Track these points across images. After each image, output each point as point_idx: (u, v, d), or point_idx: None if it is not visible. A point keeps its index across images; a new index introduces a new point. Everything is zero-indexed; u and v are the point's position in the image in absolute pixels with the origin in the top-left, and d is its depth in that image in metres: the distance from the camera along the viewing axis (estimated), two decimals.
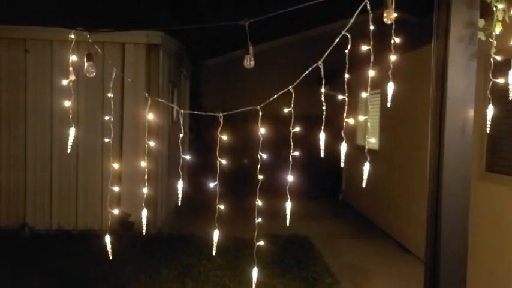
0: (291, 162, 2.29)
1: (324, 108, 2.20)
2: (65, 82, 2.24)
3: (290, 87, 2.37)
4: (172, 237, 6.74)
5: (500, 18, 2.03)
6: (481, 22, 2.03)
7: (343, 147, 2.20)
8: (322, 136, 2.21)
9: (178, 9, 9.03)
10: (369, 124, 9.20)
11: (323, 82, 2.13)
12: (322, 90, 2.16)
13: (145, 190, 2.42)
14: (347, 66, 2.15)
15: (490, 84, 2.07)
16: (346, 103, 2.21)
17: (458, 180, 2.18)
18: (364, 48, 2.12)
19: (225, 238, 5.82)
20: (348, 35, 2.04)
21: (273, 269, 5.28)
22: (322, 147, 2.25)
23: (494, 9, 2.01)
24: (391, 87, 2.14)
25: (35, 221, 6.94)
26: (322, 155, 2.28)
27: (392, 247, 6.59)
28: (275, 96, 2.43)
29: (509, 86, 1.99)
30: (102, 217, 7.02)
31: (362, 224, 8.39)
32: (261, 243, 2.48)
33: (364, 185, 2.28)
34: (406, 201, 6.71)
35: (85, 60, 2.12)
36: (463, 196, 2.18)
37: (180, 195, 2.57)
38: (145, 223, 6.62)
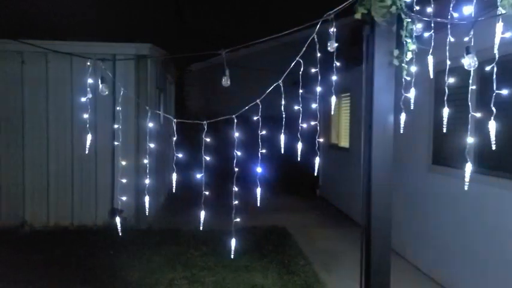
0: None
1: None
2: (83, 99, 2.85)
3: (258, 100, 3.07)
4: (161, 230, 7.38)
5: (410, 49, 2.76)
6: (395, 52, 2.75)
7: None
8: (283, 136, 2.90)
9: (164, 21, 9.64)
10: (341, 124, 9.99)
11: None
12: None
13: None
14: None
15: (402, 98, 2.79)
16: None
17: (383, 168, 2.90)
18: (333, 53, 2.84)
19: (210, 230, 6.56)
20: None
21: (253, 254, 5.98)
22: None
23: (405, 42, 2.74)
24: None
25: (34, 219, 7.51)
26: (282, 151, 2.99)
27: (360, 234, 7.35)
28: (247, 107, 3.13)
29: (412, 100, 2.72)
30: (97, 213, 7.63)
31: (336, 215, 9.17)
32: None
33: (315, 173, 2.97)
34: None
35: (100, 82, 2.76)
36: (387, 178, 2.91)
37: (174, 188, 3.21)
38: (137, 219, 7.43)
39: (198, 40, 10.85)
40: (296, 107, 3.11)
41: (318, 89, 2.98)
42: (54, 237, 6.95)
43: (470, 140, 2.12)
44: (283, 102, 3.02)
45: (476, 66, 1.98)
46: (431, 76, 2.44)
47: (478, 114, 2.19)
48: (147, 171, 7.25)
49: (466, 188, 2.10)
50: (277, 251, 6.29)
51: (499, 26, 1.82)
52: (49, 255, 6.00)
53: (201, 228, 3.01)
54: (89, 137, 2.98)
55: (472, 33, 1.99)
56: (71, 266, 5.59)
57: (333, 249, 6.58)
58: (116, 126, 3.32)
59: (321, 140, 10.33)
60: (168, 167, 10.09)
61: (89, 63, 2.81)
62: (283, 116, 3.02)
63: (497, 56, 1.89)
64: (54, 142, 7.57)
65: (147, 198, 3.37)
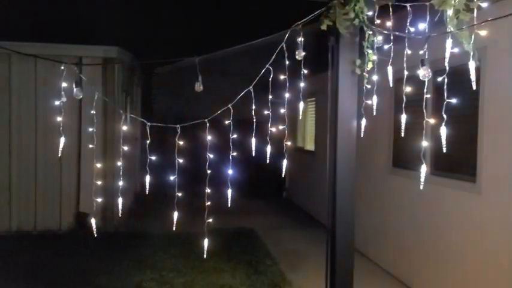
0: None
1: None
2: (56, 102, 2.88)
3: (230, 105, 3.20)
4: (129, 234, 7.35)
5: (371, 59, 2.96)
6: (358, 61, 2.95)
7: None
8: (252, 139, 3.04)
9: (133, 24, 9.61)
10: (307, 128, 10.24)
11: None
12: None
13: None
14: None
15: (364, 104, 2.99)
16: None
17: (347, 169, 3.09)
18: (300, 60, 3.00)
19: (179, 232, 6.60)
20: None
21: (221, 256, 6.07)
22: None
23: (366, 53, 2.94)
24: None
25: None
26: (253, 153, 3.12)
27: (325, 235, 7.59)
28: (218, 112, 3.24)
29: (374, 106, 2.92)
30: (61, 218, 7.50)
31: (302, 217, 9.40)
32: (211, 235, 3.20)
33: (283, 175, 3.12)
34: None
35: (74, 86, 2.80)
36: (351, 181, 3.09)
37: (147, 190, 3.28)
38: (104, 222, 7.38)
39: (166, 43, 10.85)
40: (265, 112, 3.25)
41: (286, 95, 3.14)
42: (15, 243, 6.79)
43: (425, 143, 2.32)
44: (253, 107, 3.15)
45: (430, 76, 2.18)
46: (391, 85, 2.64)
47: (432, 120, 2.40)
48: (115, 174, 7.22)
49: (421, 187, 2.29)
50: (245, 252, 6.42)
51: (449, 42, 2.03)
52: (9, 262, 5.86)
53: (173, 228, 3.08)
54: (62, 140, 2.98)
55: (426, 47, 2.20)
56: (33, 271, 5.49)
57: (300, 250, 6.77)
58: (90, 129, 3.33)
59: (288, 143, 10.50)
60: (135, 169, 10.02)
61: (62, 68, 2.84)
62: (252, 119, 3.15)
63: (447, 68, 2.10)
64: (17, 145, 7.39)
65: (120, 200, 3.40)
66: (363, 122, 3.04)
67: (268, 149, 3.16)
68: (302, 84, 3.11)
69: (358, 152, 3.08)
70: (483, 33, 1.86)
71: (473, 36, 1.89)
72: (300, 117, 3.49)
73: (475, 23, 1.85)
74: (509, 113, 3.67)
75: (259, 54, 3.35)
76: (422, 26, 2.22)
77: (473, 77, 1.91)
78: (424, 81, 2.26)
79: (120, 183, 3.38)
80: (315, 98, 9.29)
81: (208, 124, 3.20)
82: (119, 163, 3.49)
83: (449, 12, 1.92)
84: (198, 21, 9.94)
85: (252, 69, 3.33)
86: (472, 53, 1.89)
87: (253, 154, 3.17)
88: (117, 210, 7.70)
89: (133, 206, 9.55)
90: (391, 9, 2.63)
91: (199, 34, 10.61)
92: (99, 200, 7.38)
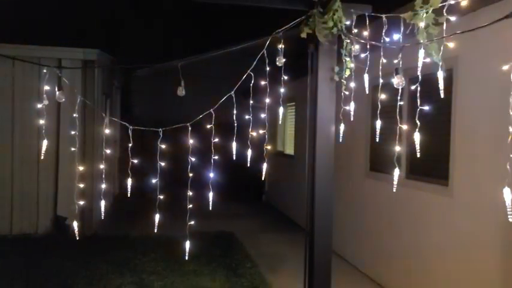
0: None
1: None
2: (39, 105, 2.89)
3: (211, 109, 3.26)
4: (108, 237, 7.30)
5: (349, 67, 3.07)
6: (336, 68, 3.05)
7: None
8: (231, 143, 3.11)
9: (113, 27, 9.56)
10: (287, 132, 10.36)
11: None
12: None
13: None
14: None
15: (342, 110, 3.10)
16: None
17: (325, 173, 3.18)
18: (279, 66, 3.09)
19: (159, 235, 6.60)
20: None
21: (201, 259, 6.10)
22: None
23: (344, 61, 3.05)
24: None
25: None
26: (233, 157, 3.19)
27: (304, 237, 7.71)
28: (200, 116, 3.30)
29: (351, 112, 3.03)
30: (38, 221, 7.39)
31: (281, 220, 9.49)
32: (191, 238, 3.25)
33: (263, 179, 3.19)
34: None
35: (56, 89, 2.82)
36: (329, 185, 3.19)
37: (126, 191, 3.30)
38: (82, 225, 7.32)
39: (146, 46, 10.83)
40: (246, 116, 3.33)
41: (267, 100, 3.22)
42: None
43: (398, 148, 2.43)
44: (234, 112, 3.22)
45: (404, 85, 2.29)
46: (367, 92, 2.75)
47: (405, 127, 2.51)
48: (93, 177, 7.17)
49: (394, 190, 2.40)
50: (225, 255, 6.46)
51: (421, 52, 2.14)
52: None
53: (154, 231, 3.11)
54: (44, 143, 2.98)
55: (400, 56, 2.31)
56: (8, 276, 5.40)
57: (279, 252, 6.85)
58: (73, 132, 3.34)
59: (268, 147, 10.58)
60: (114, 172, 9.95)
61: (45, 71, 2.85)
62: (233, 123, 3.22)
63: (420, 77, 2.22)
64: None
65: (99, 203, 3.41)
66: (341, 127, 3.13)
67: (249, 152, 3.23)
68: (282, 90, 3.20)
69: (338, 156, 3.18)
70: (452, 45, 1.97)
71: (442, 48, 2.00)
72: (280, 122, 3.58)
73: (444, 35, 1.97)
74: (479, 119, 3.83)
75: (241, 58, 3.42)
76: (397, 36, 2.33)
77: (441, 86, 2.03)
78: (399, 89, 2.38)
79: (99, 186, 3.40)
80: (295, 103, 9.42)
81: (189, 128, 3.25)
82: (99, 166, 3.51)
83: (421, 25, 2.03)
84: (179, 24, 9.95)
85: (234, 72, 3.39)
86: (441, 64, 2.00)
87: (234, 158, 3.24)
88: (95, 213, 7.67)
89: (112, 209, 9.47)
90: (367, 19, 2.74)
91: (181, 37, 10.62)
92: (78, 203, 7.34)
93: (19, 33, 7.25)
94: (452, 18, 2.00)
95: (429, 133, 4.38)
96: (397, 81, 2.29)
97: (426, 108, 2.30)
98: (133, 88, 13.37)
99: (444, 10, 1.97)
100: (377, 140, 2.68)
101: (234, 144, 3.25)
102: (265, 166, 3.31)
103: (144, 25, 10.35)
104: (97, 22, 8.87)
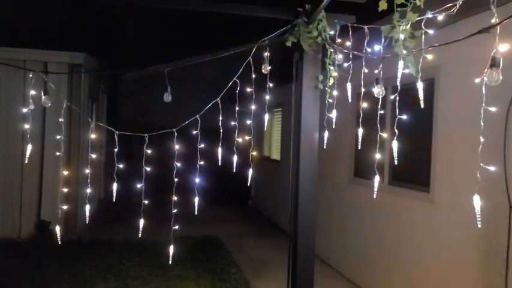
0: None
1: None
2: (24, 110, 2.90)
3: (197, 115, 3.30)
4: (92, 242, 7.25)
5: (333, 75, 3.14)
6: (320, 77, 3.12)
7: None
8: (218, 148, 3.14)
9: (102, 29, 9.54)
10: (273, 137, 10.42)
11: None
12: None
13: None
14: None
15: (326, 117, 3.16)
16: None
17: (309, 179, 3.24)
18: (264, 72, 3.14)
19: (143, 240, 6.58)
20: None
21: (186, 264, 6.10)
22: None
23: (328, 69, 3.12)
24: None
25: None
26: (219, 163, 3.23)
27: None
28: (186, 122, 3.34)
29: (334, 120, 3.10)
30: (21, 226, 7.31)
31: (266, 225, 9.53)
32: (177, 243, 3.27)
33: (248, 184, 3.24)
34: None
35: (42, 94, 2.83)
36: (312, 189, 3.25)
37: (112, 196, 3.32)
38: (66, 230, 7.27)
39: (133, 49, 10.81)
40: (232, 122, 3.38)
41: (253, 106, 3.27)
42: None
43: (379, 156, 2.50)
44: (220, 117, 3.27)
45: (384, 94, 2.37)
46: (350, 100, 2.82)
47: (385, 134, 2.58)
48: (78, 181, 7.12)
49: (374, 196, 2.47)
50: (210, 260, 6.47)
51: (400, 63, 2.22)
52: None
53: (139, 236, 3.13)
54: (29, 147, 2.99)
55: (381, 66, 2.39)
56: None
57: (264, 257, 6.89)
58: (58, 136, 3.34)
59: (254, 153, 10.64)
60: (100, 177, 9.88)
61: (31, 75, 2.86)
62: (220, 129, 3.25)
63: (399, 87, 2.29)
64: None
65: (84, 208, 3.41)
66: (325, 134, 3.20)
67: (235, 158, 3.27)
68: (267, 97, 3.26)
69: (324, 162, 3.25)
70: (430, 57, 2.05)
71: (421, 59, 2.08)
72: (266, 128, 3.63)
73: (422, 47, 2.04)
74: (459, 127, 3.94)
75: (231, 63, 3.47)
76: (378, 47, 2.40)
77: (421, 96, 2.10)
78: (382, 97, 2.45)
79: (84, 190, 3.40)
80: (282, 108, 9.49)
81: (176, 133, 3.29)
82: (84, 171, 3.51)
83: (399, 37, 2.10)
84: (168, 28, 9.97)
85: (222, 78, 3.43)
86: (418, 75, 2.07)
87: (220, 163, 3.28)
88: (80, 218, 7.62)
89: (97, 214, 9.40)
90: (350, 30, 2.82)
91: (169, 41, 10.63)
92: (62, 207, 7.31)
93: (3, 35, 7.18)
94: (431, 31, 2.08)
95: (412, 141, 4.49)
96: (378, 90, 2.36)
97: (406, 117, 2.37)
98: (121, 92, 13.32)
99: (422, 23, 2.04)
100: (359, 147, 2.74)
101: (219, 150, 3.29)
102: (250, 171, 3.35)
103: (132, 29, 10.32)
104: (84, 25, 8.83)
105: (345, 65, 2.98)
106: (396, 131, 2.29)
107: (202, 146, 3.25)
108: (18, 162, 7.17)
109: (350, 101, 2.83)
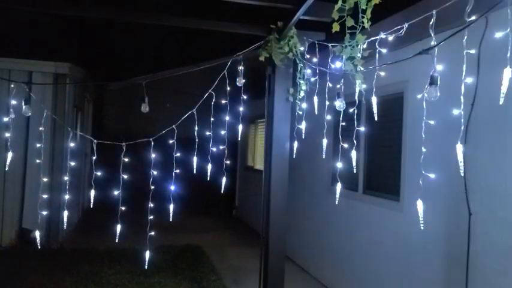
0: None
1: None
2: (5, 119, 3.01)
3: (174, 125, 3.44)
4: (74, 250, 7.28)
5: (303, 89, 3.33)
6: (291, 90, 3.30)
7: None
8: (204, 159, 3.29)
9: (88, 38, 9.66)
10: (257, 147, 10.57)
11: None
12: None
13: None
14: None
15: (296, 128, 3.34)
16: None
17: (280, 186, 3.41)
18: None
19: (124, 248, 6.66)
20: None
21: (167, 272, 6.19)
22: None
23: (298, 83, 3.30)
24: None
25: None
26: (208, 177, 3.36)
27: None
28: (164, 131, 3.48)
29: (303, 129, 3.27)
30: (2, 234, 7.32)
31: (250, 234, 9.63)
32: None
33: (221, 190, 3.37)
34: None
35: (23, 103, 2.95)
36: (283, 196, 3.41)
37: (91, 204, 3.42)
38: (48, 238, 7.33)
39: (118, 60, 10.94)
40: (209, 132, 3.53)
41: (229, 117, 3.43)
42: None
43: (339, 165, 2.67)
44: (196, 128, 3.42)
45: (344, 107, 2.54)
46: (316, 113, 3.00)
47: (346, 145, 2.76)
48: (61, 190, 7.16)
49: (336, 202, 2.63)
50: (191, 268, 6.56)
51: (358, 80, 2.41)
52: None
53: (119, 242, 3.23)
54: (9, 155, 3.09)
55: (342, 81, 2.57)
56: None
57: (244, 266, 6.99)
58: (38, 145, 3.45)
59: (238, 162, 10.73)
60: (82, 186, 9.91)
61: (12, 85, 2.98)
62: (203, 139, 3.40)
63: (357, 101, 2.48)
64: None
65: (65, 216, 3.52)
66: (295, 144, 3.37)
67: (219, 168, 3.42)
68: (241, 109, 3.42)
69: (303, 172, 3.42)
70: (383, 74, 2.23)
71: (375, 76, 2.26)
72: (250, 137, 3.78)
73: (376, 65, 2.23)
74: (425, 139, 4.13)
75: (211, 74, 3.64)
76: (339, 64, 2.59)
77: (375, 110, 2.28)
78: (355, 109, 2.62)
79: (66, 199, 3.50)
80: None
81: (159, 142, 3.42)
82: (65, 179, 3.61)
83: (349, 56, 2.29)
84: (151, 39, 10.12)
85: (204, 88, 3.58)
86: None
87: (203, 173, 3.40)
88: (62, 226, 7.64)
89: (79, 222, 9.43)
90: (317, 47, 3.00)
91: (152, 52, 10.79)
92: (44, 216, 7.35)
93: None
94: (384, 50, 2.27)
95: (385, 152, 4.69)
96: (339, 104, 2.54)
97: (364, 128, 2.54)
98: (106, 101, 13.40)
99: (377, 43, 2.23)
100: (323, 156, 2.91)
101: (204, 159, 3.42)
102: (224, 180, 3.49)
103: (118, 40, 10.46)
104: (70, 35, 8.94)
105: (312, 79, 3.17)
106: (355, 141, 2.46)
107: (186, 155, 3.38)
108: (0, 171, 7.20)
109: (316, 113, 3.00)
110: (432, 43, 1.82)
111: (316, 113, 3.02)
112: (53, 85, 7.29)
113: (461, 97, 1.91)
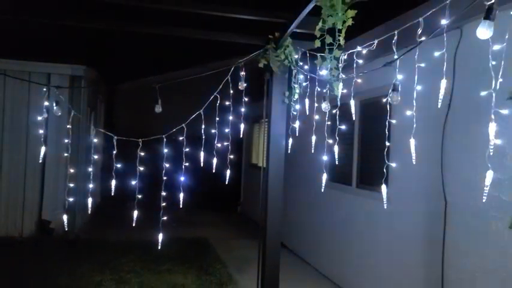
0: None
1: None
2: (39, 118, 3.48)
3: (183, 124, 3.89)
4: (89, 241, 7.79)
5: (297, 92, 3.77)
6: (286, 93, 3.75)
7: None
8: (212, 156, 3.74)
9: (101, 43, 10.16)
10: (261, 145, 11.00)
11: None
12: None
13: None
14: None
15: (290, 128, 3.78)
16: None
17: (276, 181, 3.85)
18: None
19: (137, 240, 7.15)
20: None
21: (175, 261, 6.66)
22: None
23: (293, 87, 3.74)
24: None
25: None
26: (213, 170, 3.79)
27: None
28: (175, 129, 3.92)
29: (297, 128, 3.71)
30: (23, 224, 7.85)
31: (254, 229, 10.06)
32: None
33: (226, 185, 3.82)
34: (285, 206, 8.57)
35: (54, 105, 3.42)
36: (279, 187, 3.85)
37: (109, 198, 3.85)
38: (65, 229, 7.79)
39: (129, 61, 11.44)
40: (216, 131, 3.96)
41: (230, 117, 3.87)
42: None
43: (325, 158, 3.11)
44: (203, 127, 3.86)
45: (329, 109, 2.98)
46: (307, 113, 3.44)
47: (330, 141, 3.20)
48: (78, 185, 7.66)
49: (322, 190, 3.06)
50: (198, 257, 7.03)
51: (340, 85, 2.84)
52: None
53: (133, 224, 3.67)
54: (43, 149, 3.56)
55: (328, 86, 3.01)
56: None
57: (247, 256, 7.44)
58: (66, 140, 3.91)
59: (242, 160, 11.15)
60: (97, 181, 10.41)
61: (45, 89, 3.46)
62: (212, 137, 3.82)
63: (339, 103, 2.91)
64: None
65: (76, 209, 3.95)
66: (289, 141, 3.81)
67: (224, 165, 3.84)
68: (243, 109, 3.87)
69: (303, 167, 3.85)
70: (360, 81, 2.67)
71: (353, 82, 2.70)
72: (255, 135, 4.23)
73: (354, 74, 2.67)
74: (409, 137, 4.56)
75: (219, 77, 4.02)
76: (324, 72, 3.03)
77: (353, 111, 2.72)
78: (352, 110, 3.03)
79: (84, 189, 3.92)
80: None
81: (165, 140, 3.85)
82: (82, 174, 4.03)
83: (328, 67, 2.74)
84: (162, 43, 10.60)
85: (213, 87, 3.91)
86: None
87: (210, 171, 3.79)
88: (77, 219, 8.16)
89: (94, 215, 9.93)
90: (308, 55, 3.45)
91: (161, 53, 11.26)
92: (62, 208, 7.85)
93: (11, 47, 7.77)
94: (360, 61, 2.70)
95: (376, 148, 5.11)
96: (325, 106, 2.98)
97: (375, 126, 2.97)
98: (117, 101, 13.93)
99: (354, 55, 2.67)
100: (313, 151, 3.35)
101: (211, 157, 3.83)
102: (228, 172, 3.91)
103: (128, 43, 10.94)
104: (82, 39, 9.42)
105: (304, 84, 3.60)
106: (337, 138, 2.90)
107: (196, 153, 3.78)
108: (22, 164, 7.72)
109: (307, 113, 3.44)
110: (395, 57, 2.26)
111: (307, 113, 3.46)
112: (69, 87, 7.78)
113: (440, 100, 2.33)
